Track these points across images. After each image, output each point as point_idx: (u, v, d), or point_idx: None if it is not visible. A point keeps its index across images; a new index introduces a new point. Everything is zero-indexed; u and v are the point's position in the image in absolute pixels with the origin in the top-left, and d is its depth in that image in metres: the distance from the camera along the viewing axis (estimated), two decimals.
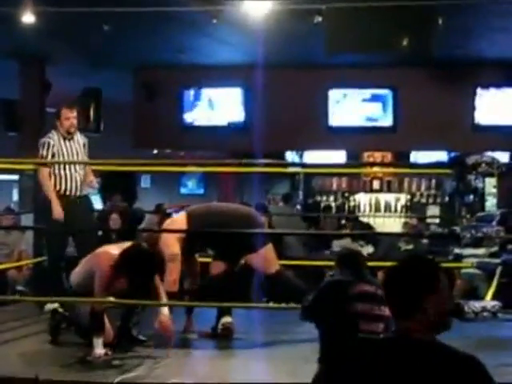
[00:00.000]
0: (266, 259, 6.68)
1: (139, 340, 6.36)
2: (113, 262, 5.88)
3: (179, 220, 6.71)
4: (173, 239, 6.55)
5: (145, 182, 17.54)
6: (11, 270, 10.33)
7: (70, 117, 7.71)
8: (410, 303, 2.67)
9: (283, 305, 6.99)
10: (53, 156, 7.66)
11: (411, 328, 2.66)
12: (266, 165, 9.44)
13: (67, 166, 7.65)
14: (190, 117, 13.89)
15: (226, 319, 6.63)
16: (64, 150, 7.70)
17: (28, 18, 9.48)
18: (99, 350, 5.71)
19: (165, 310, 6.16)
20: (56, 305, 6.65)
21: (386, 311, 4.37)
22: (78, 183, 7.72)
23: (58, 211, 7.53)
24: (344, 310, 4.31)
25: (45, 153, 7.67)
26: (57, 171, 7.65)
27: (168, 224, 6.94)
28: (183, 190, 17.85)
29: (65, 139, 7.70)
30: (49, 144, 7.65)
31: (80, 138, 7.86)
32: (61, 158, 7.67)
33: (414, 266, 2.74)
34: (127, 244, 6.18)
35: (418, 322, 2.65)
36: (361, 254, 5.13)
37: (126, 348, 6.06)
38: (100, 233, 9.21)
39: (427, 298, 2.65)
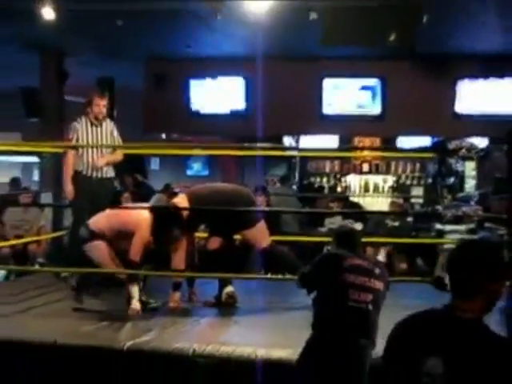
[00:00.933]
0: (259, 234, 6.71)
1: (148, 303, 6.38)
2: (150, 225, 6.21)
3: (181, 202, 6.66)
4: None
5: (154, 164, 17.45)
6: (31, 244, 10.33)
7: (100, 104, 7.70)
8: (472, 289, 2.55)
9: (280, 276, 7.03)
10: (77, 140, 7.68)
11: (463, 307, 2.54)
12: (265, 149, 9.44)
13: (89, 150, 7.65)
14: (195, 105, 13.85)
15: (229, 289, 6.66)
16: (89, 134, 7.69)
17: (48, 14, 9.52)
18: (136, 302, 6.12)
19: None
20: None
21: (376, 284, 4.39)
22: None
23: (68, 191, 7.59)
24: (337, 279, 4.33)
25: (71, 135, 7.72)
26: (79, 153, 7.66)
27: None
28: (189, 172, 17.74)
29: (92, 125, 7.70)
30: (75, 127, 7.68)
31: (109, 126, 7.83)
32: (84, 142, 7.67)
33: (481, 254, 2.60)
34: (142, 204, 6.62)
35: (473, 304, 2.54)
36: (357, 232, 5.12)
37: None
38: None
39: (490, 286, 2.54)
